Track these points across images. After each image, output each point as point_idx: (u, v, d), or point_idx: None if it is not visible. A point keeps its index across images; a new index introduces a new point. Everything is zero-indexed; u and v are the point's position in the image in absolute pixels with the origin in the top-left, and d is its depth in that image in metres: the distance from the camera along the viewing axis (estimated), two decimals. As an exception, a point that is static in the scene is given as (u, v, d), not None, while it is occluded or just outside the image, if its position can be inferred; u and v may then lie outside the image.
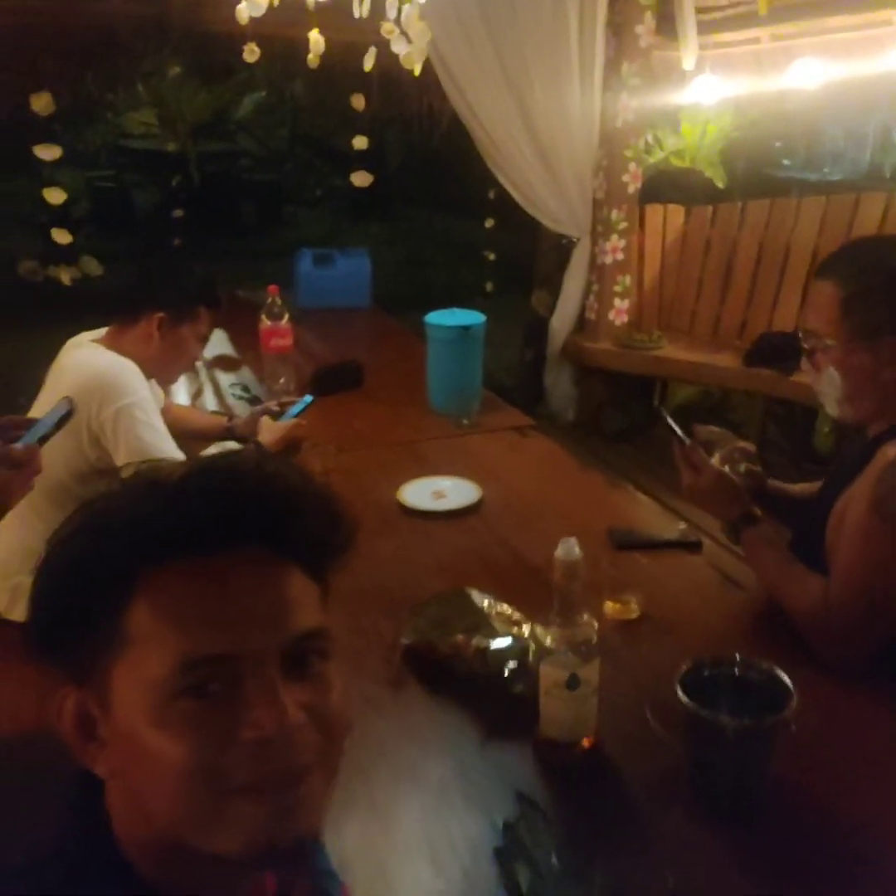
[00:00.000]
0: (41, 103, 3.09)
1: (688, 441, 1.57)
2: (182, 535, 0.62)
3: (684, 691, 1.11)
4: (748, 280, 3.87)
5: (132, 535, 0.62)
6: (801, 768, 1.15)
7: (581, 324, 4.08)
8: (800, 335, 1.45)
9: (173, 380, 2.21)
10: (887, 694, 1.29)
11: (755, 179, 5.93)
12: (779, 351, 3.38)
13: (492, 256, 4.42)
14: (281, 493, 0.65)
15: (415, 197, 8.19)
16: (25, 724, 1.43)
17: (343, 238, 7.09)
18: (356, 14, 1.91)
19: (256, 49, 2.08)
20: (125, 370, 1.89)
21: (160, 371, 2.05)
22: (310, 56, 2.00)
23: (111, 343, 1.96)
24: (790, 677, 1.12)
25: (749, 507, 1.52)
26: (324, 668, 0.65)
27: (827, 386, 1.42)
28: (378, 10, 1.93)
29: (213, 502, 0.63)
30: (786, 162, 7.24)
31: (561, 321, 4.08)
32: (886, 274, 1.36)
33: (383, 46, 2.02)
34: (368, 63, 2.00)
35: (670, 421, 1.59)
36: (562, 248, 4.07)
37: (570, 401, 4.22)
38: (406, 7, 1.83)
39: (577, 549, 1.15)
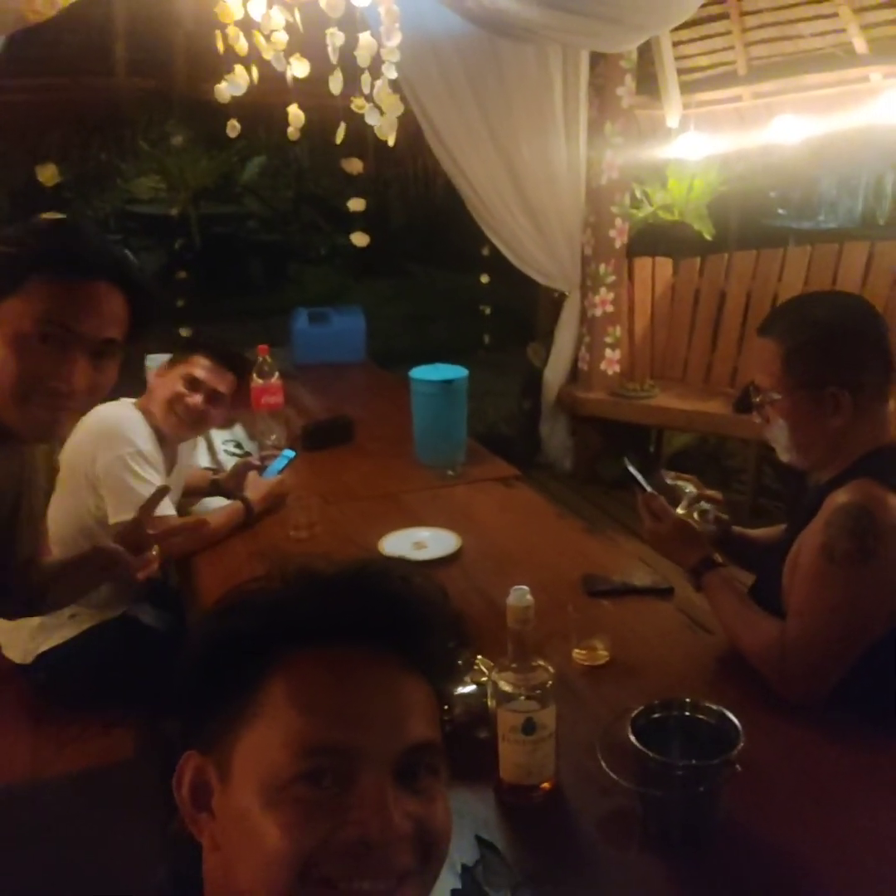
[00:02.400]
0: (47, 174, 3.24)
1: (648, 489, 1.61)
2: (324, 624, 0.66)
3: (636, 733, 1.14)
4: (737, 328, 3.94)
5: (279, 616, 0.66)
6: (752, 806, 1.17)
7: (575, 375, 4.15)
8: (749, 390, 1.50)
9: (173, 431, 2.09)
10: (836, 735, 1.31)
11: (751, 229, 6.05)
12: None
13: (488, 311, 4.53)
14: (422, 605, 0.69)
15: (417, 254, 8.39)
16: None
17: (348, 295, 7.27)
18: (333, 89, 2.01)
19: (237, 125, 2.19)
20: (125, 420, 1.95)
21: (160, 419, 2.05)
22: (290, 129, 2.10)
23: (142, 404, 2.07)
24: (746, 718, 1.15)
25: (709, 553, 1.57)
26: (433, 783, 0.67)
27: (777, 436, 1.47)
28: (354, 84, 2.03)
29: (359, 601, 0.67)
30: (781, 211, 7.38)
31: (555, 372, 4.16)
32: (822, 328, 1.42)
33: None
34: (339, 137, 2.10)
35: (632, 469, 1.64)
36: (557, 302, 4.17)
37: (566, 450, 4.27)
38: (377, 82, 1.93)
39: (528, 596, 1.19)
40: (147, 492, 1.87)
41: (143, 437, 1.96)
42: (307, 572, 0.69)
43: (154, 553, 1.48)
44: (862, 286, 3.61)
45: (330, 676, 0.65)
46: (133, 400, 2.06)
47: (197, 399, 2.06)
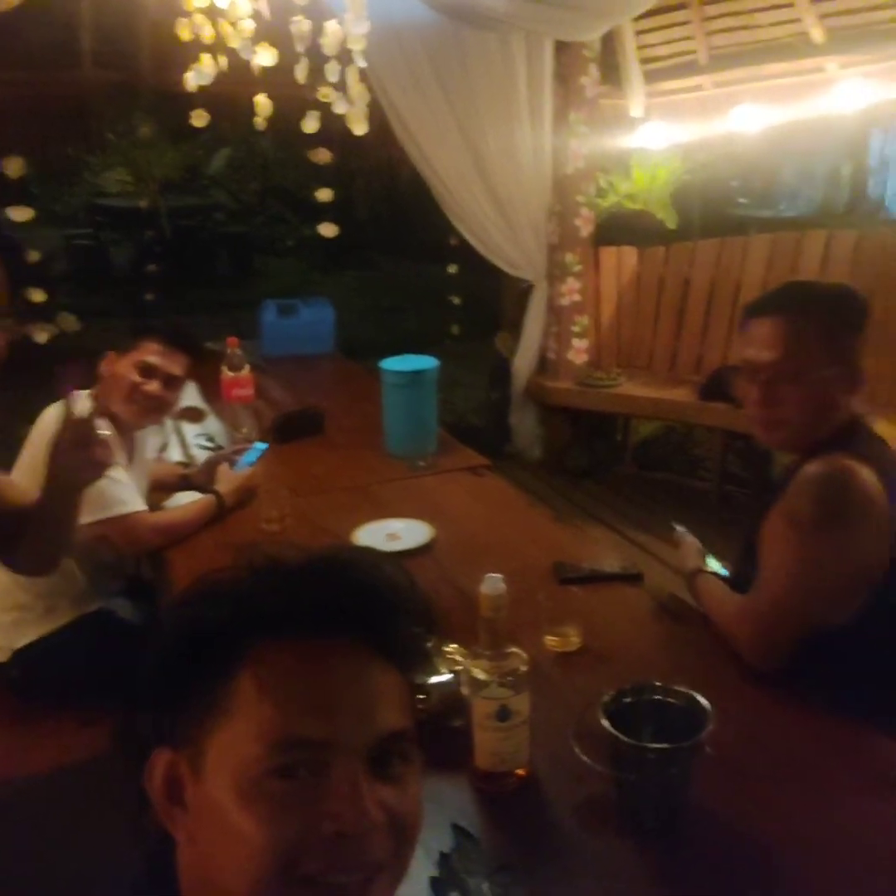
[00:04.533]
0: (12, 167, 3.17)
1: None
2: (293, 615, 0.66)
3: (608, 718, 1.16)
4: (702, 316, 3.98)
5: (247, 607, 0.66)
6: (723, 787, 1.19)
7: (542, 364, 4.17)
8: (740, 368, 1.51)
9: (135, 421, 2.07)
10: (802, 715, 1.35)
11: (713, 218, 6.12)
12: (731, 384, 3.47)
13: (457, 301, 4.52)
14: (391, 593, 0.69)
15: (384, 245, 8.36)
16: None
17: (315, 287, 7.22)
18: (299, 78, 2.00)
19: (205, 114, 2.16)
20: None
21: (118, 409, 2.01)
22: (257, 119, 2.08)
23: (98, 395, 2.01)
24: (715, 701, 1.17)
25: (702, 566, 1.70)
26: (406, 771, 0.67)
27: (787, 415, 1.47)
28: (320, 73, 2.02)
29: (328, 591, 0.67)
30: (742, 200, 7.46)
31: (523, 362, 4.17)
32: (848, 306, 1.48)
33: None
34: (309, 126, 2.09)
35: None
36: (525, 292, 4.18)
37: (535, 439, 4.30)
38: (348, 69, 1.92)
39: (501, 584, 1.21)
40: (108, 486, 1.85)
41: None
42: (275, 562, 0.68)
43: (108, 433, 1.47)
44: (820, 273, 3.67)
45: (301, 668, 0.65)
46: (87, 391, 2.03)
47: (154, 386, 2.02)
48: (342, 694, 0.64)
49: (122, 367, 2.02)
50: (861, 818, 1.16)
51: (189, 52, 2.06)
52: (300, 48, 1.94)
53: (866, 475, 1.37)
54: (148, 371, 2.02)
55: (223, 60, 2.07)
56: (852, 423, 1.47)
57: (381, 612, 0.68)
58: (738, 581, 1.58)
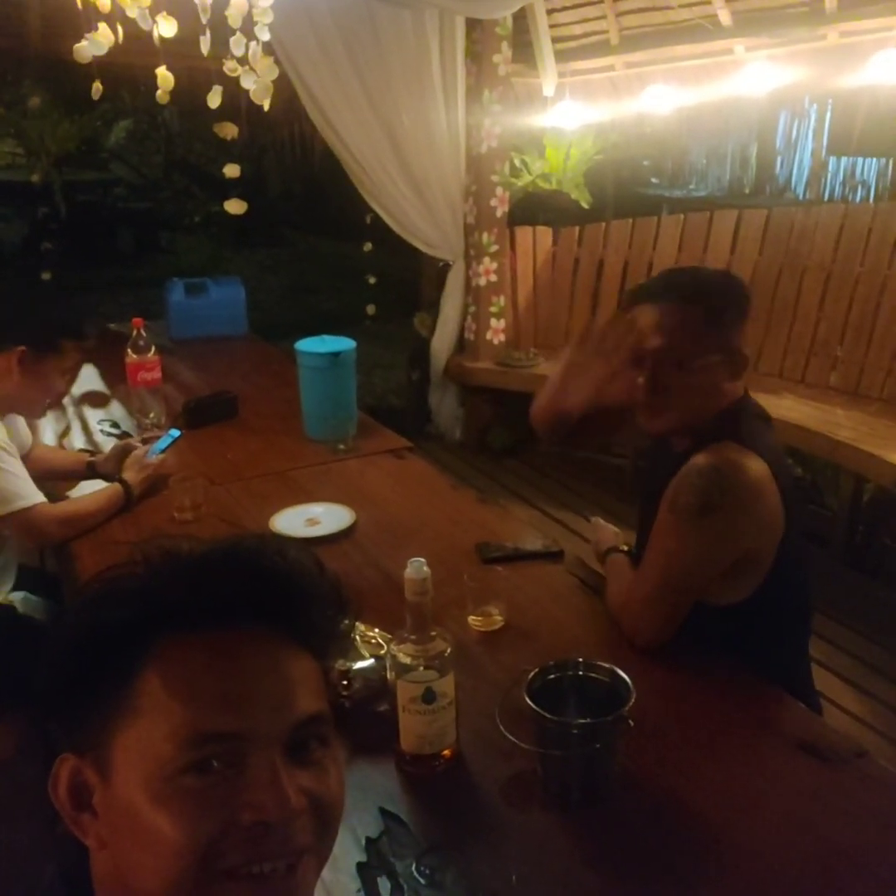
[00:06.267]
0: None
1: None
2: (196, 608, 0.63)
3: (532, 696, 1.16)
4: (615, 296, 4.04)
5: (146, 603, 0.63)
6: (646, 758, 1.22)
7: (461, 345, 4.17)
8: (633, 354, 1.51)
9: (38, 415, 2.12)
10: (720, 685, 1.39)
11: (627, 198, 6.22)
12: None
13: (373, 280, 4.47)
14: (297, 577, 0.67)
15: (298, 223, 8.21)
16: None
17: (225, 265, 7.05)
18: (203, 50, 1.92)
19: (100, 86, 2.06)
20: None
21: (22, 407, 2.00)
22: (159, 92, 1.99)
23: None
24: (636, 674, 1.19)
25: (618, 545, 1.72)
26: (324, 754, 0.66)
27: (672, 402, 1.48)
28: (225, 45, 1.95)
29: (231, 580, 0.64)
30: (654, 180, 7.61)
31: (442, 342, 4.16)
32: (732, 293, 1.50)
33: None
34: (213, 101, 2.01)
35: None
36: (442, 271, 4.16)
37: (456, 420, 4.30)
38: (251, 43, 1.85)
39: (425, 568, 1.19)
40: (12, 483, 1.80)
41: None
42: (172, 555, 0.66)
43: None
44: (731, 251, 3.76)
45: (208, 661, 0.63)
46: None
47: (65, 385, 2.03)
48: (253, 684, 0.63)
49: (48, 372, 1.95)
50: (779, 781, 1.20)
51: (83, 20, 1.95)
52: (204, 19, 1.86)
53: (753, 465, 1.39)
54: (72, 377, 2.02)
55: (120, 31, 1.97)
56: (735, 406, 1.49)
57: (288, 598, 0.66)
58: (639, 559, 1.61)
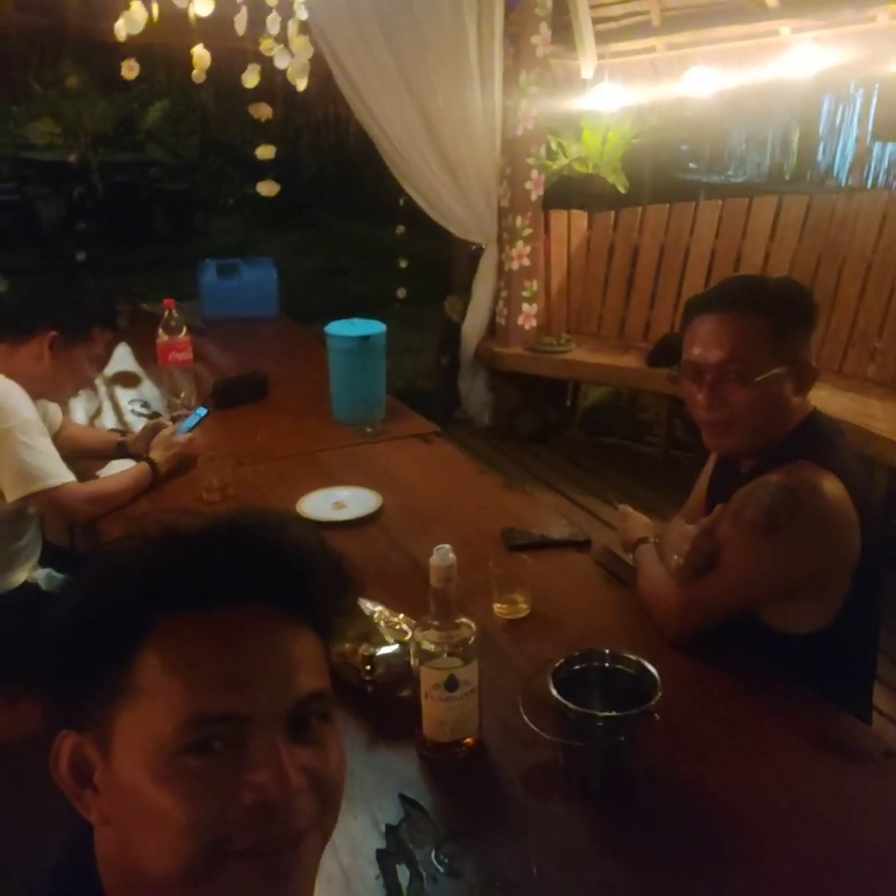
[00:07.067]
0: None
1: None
2: (197, 585, 0.62)
3: (557, 686, 1.15)
4: (650, 283, 3.98)
5: (146, 581, 0.62)
6: (670, 753, 1.20)
7: (492, 329, 4.14)
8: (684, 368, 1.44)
9: (66, 399, 2.16)
10: (750, 682, 1.36)
11: (663, 183, 6.12)
12: (679, 352, 3.49)
13: (404, 264, 4.44)
14: (299, 554, 0.66)
15: (331, 204, 8.19)
16: None
17: (258, 247, 7.06)
18: (239, 30, 1.91)
19: (135, 65, 2.05)
20: (5, 393, 1.84)
21: (51, 391, 2.01)
22: (195, 72, 1.98)
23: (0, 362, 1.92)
24: (663, 667, 1.17)
25: (647, 536, 1.68)
26: (324, 731, 0.65)
27: (739, 416, 1.40)
28: (261, 24, 1.93)
29: (232, 557, 0.64)
30: (692, 165, 7.48)
31: (473, 327, 4.13)
32: (799, 304, 1.43)
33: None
34: (249, 80, 2.00)
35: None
36: (475, 255, 4.13)
37: (485, 405, 4.28)
38: (289, 22, 1.83)
39: (451, 555, 1.18)
40: (39, 460, 1.82)
41: (26, 405, 1.86)
42: (171, 532, 0.65)
43: None
44: (770, 239, 3.69)
45: (209, 640, 0.62)
46: None
47: (94, 371, 2.04)
48: (254, 664, 0.62)
49: (79, 358, 1.96)
50: (805, 778, 1.18)
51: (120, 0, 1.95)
52: (240, -2, 1.85)
53: (829, 487, 1.32)
54: (101, 362, 2.02)
55: (155, 9, 1.96)
56: (807, 423, 1.43)
57: (289, 575, 0.66)
58: None
